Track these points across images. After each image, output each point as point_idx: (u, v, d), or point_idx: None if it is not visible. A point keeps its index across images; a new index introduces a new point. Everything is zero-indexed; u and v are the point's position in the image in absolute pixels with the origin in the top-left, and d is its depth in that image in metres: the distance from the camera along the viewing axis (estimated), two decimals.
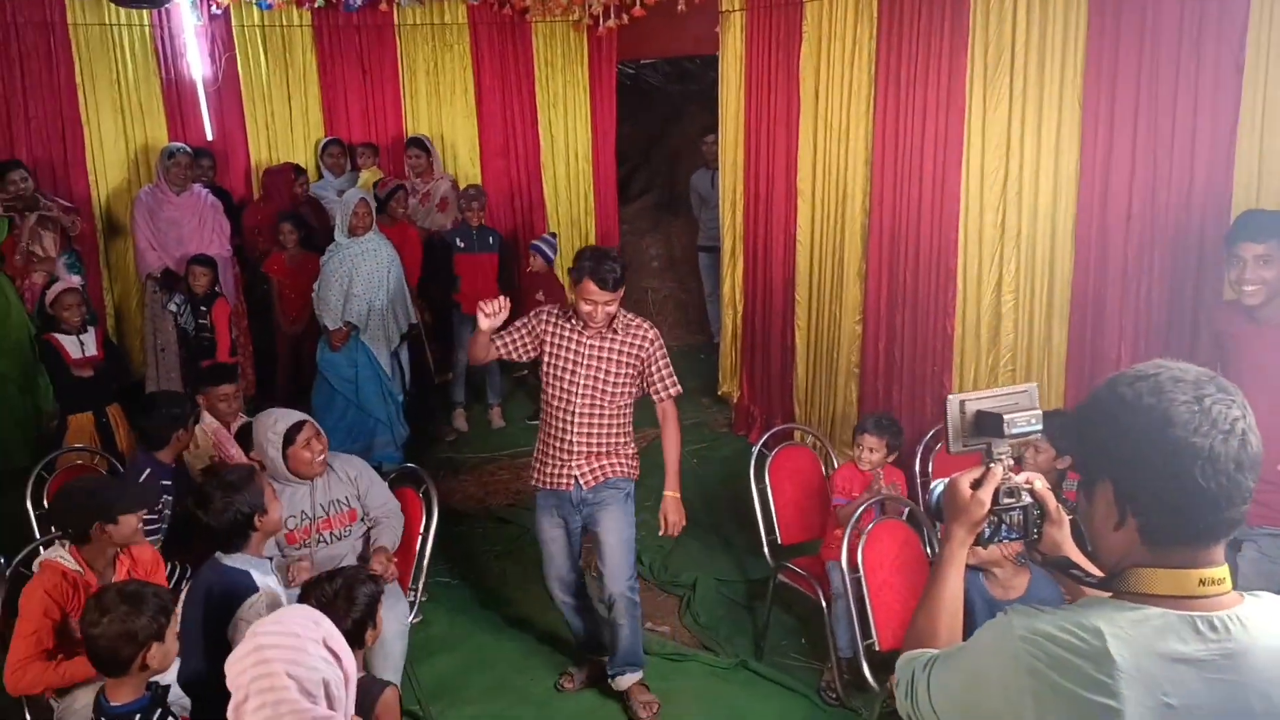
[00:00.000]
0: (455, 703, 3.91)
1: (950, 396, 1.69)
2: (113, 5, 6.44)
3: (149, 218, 6.26)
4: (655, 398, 3.73)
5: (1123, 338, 3.94)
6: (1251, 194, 3.46)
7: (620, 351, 3.64)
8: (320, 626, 1.94)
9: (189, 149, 6.42)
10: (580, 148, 7.86)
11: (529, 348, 3.70)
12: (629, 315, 3.69)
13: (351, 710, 2.06)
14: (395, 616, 3.45)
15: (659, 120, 9.62)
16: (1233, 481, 1.27)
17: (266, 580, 2.86)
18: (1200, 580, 1.31)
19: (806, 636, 4.26)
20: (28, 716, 3.12)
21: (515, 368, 7.33)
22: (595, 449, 3.67)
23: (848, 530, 3.53)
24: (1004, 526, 1.63)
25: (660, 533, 3.85)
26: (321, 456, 3.66)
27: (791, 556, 4.20)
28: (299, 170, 6.87)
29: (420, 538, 3.85)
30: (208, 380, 4.46)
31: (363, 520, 3.78)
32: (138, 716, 2.45)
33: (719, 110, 6.22)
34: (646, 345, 3.67)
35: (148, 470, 3.83)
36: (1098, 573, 1.45)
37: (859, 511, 3.63)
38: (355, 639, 2.56)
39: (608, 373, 3.63)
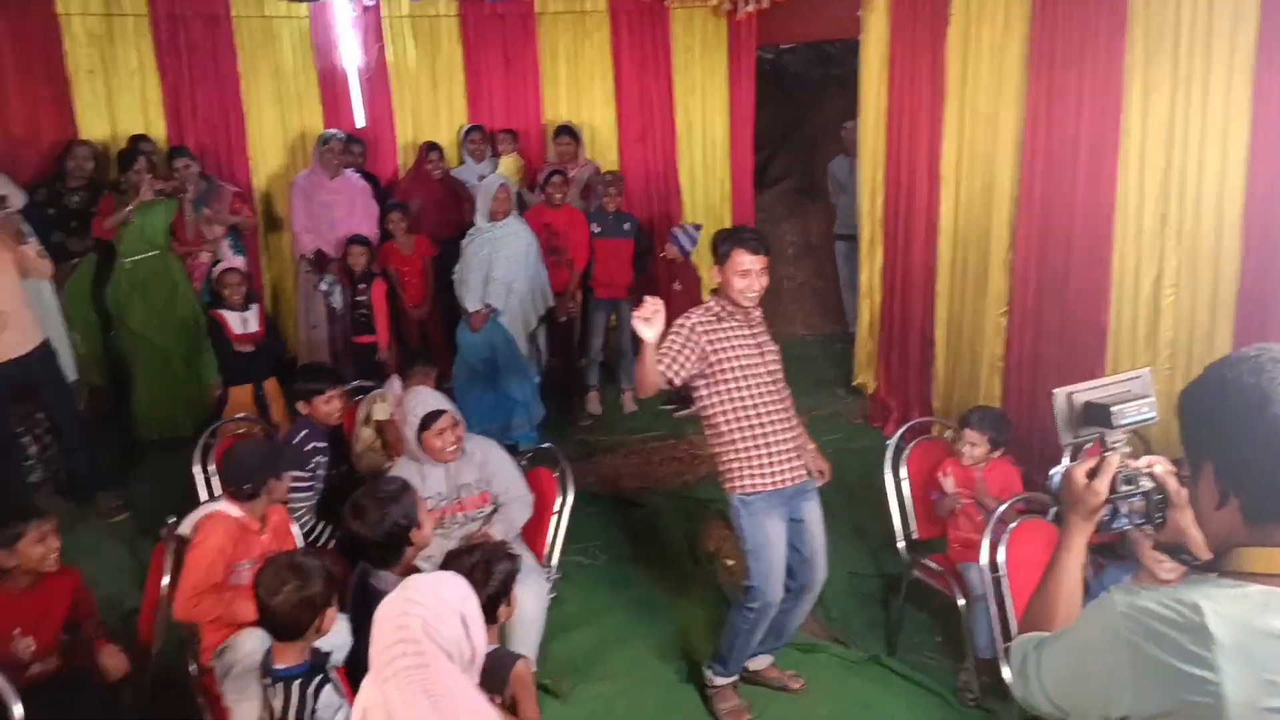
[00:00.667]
0: (586, 680, 3.97)
1: (1056, 390, 1.71)
2: None
3: (305, 201, 6.53)
4: None
5: None
6: None
7: (766, 330, 3.65)
8: (467, 601, 1.99)
9: (342, 135, 6.68)
10: (717, 134, 7.83)
11: (695, 365, 3.49)
12: None
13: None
14: (535, 595, 3.53)
15: (798, 105, 9.51)
16: None
17: None
18: None
19: (941, 634, 4.17)
20: (193, 668, 3.33)
21: None
22: (801, 432, 3.66)
23: (989, 529, 3.44)
24: (1123, 513, 1.64)
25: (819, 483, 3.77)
26: (454, 446, 3.75)
27: (927, 552, 4.11)
28: (430, 147, 7.06)
29: (555, 516, 3.93)
30: (423, 361, 4.73)
31: (491, 516, 3.88)
32: (299, 680, 2.55)
33: (859, 95, 6.10)
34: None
35: (305, 430, 4.04)
36: (1209, 555, 1.45)
37: (997, 513, 3.53)
38: (488, 614, 2.59)
39: (775, 352, 3.63)
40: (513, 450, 4.62)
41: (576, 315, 6.71)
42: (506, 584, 2.76)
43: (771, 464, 3.53)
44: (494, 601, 2.75)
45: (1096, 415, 1.68)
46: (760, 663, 3.89)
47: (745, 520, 3.56)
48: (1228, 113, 3.85)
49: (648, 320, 3.25)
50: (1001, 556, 3.36)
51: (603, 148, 7.77)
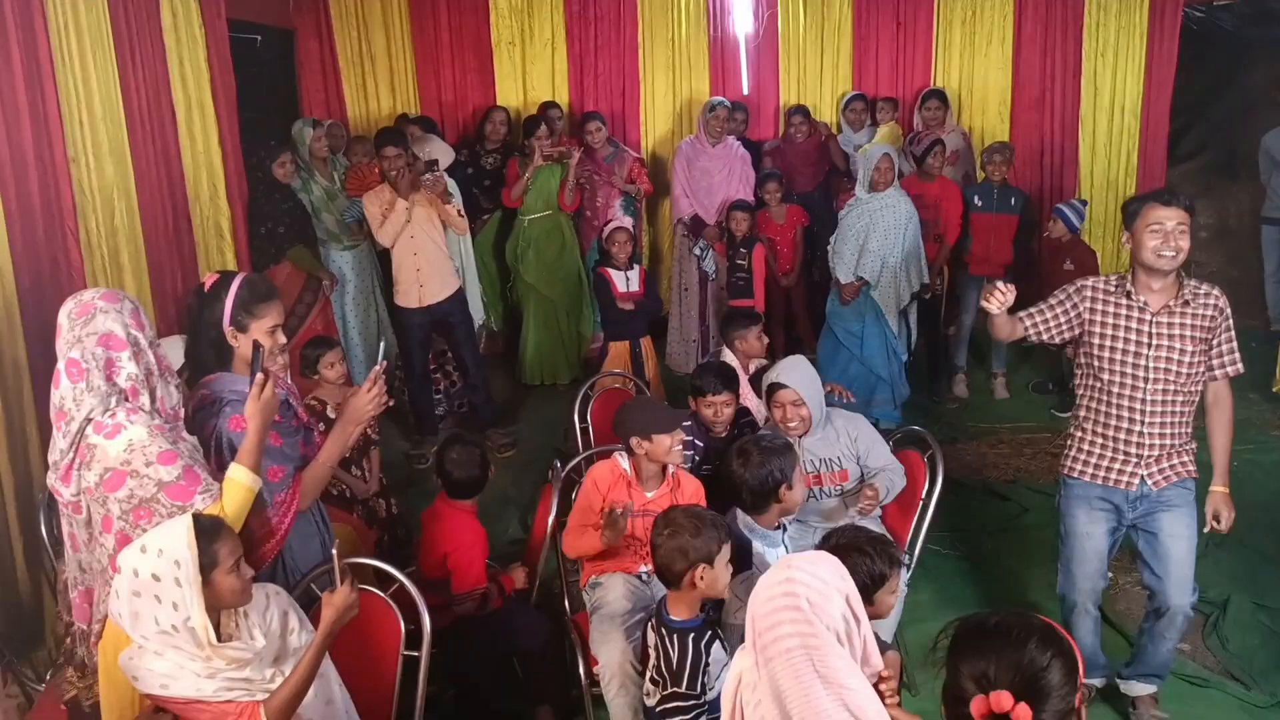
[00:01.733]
0: (941, 674, 3.82)
1: None
2: None
3: (686, 167, 6.71)
4: (1208, 375, 3.23)
5: None
6: None
7: (1192, 326, 3.14)
8: (847, 582, 1.92)
9: (727, 103, 6.78)
10: (1128, 101, 7.08)
11: (1064, 328, 3.29)
12: (1195, 282, 3.20)
13: None
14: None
15: (1225, 69, 8.39)
16: None
17: (766, 553, 2.98)
18: None
19: None
20: (567, 605, 3.61)
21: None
22: (1168, 444, 3.22)
23: None
24: None
25: (1205, 529, 3.32)
26: (794, 423, 3.69)
27: None
28: (794, 111, 7.05)
29: (921, 503, 3.78)
30: (736, 325, 4.67)
31: (859, 479, 3.79)
32: (692, 634, 2.64)
33: None
34: (1217, 315, 3.16)
35: (687, 422, 4.07)
36: None
37: None
38: None
39: (1181, 352, 3.14)
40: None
41: (942, 292, 6.41)
42: (866, 586, 2.54)
43: (1101, 457, 3.29)
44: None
45: None
46: (1138, 689, 3.53)
47: (1062, 501, 3.48)
48: None
49: (1000, 305, 3.17)
50: None
51: (994, 117, 7.32)
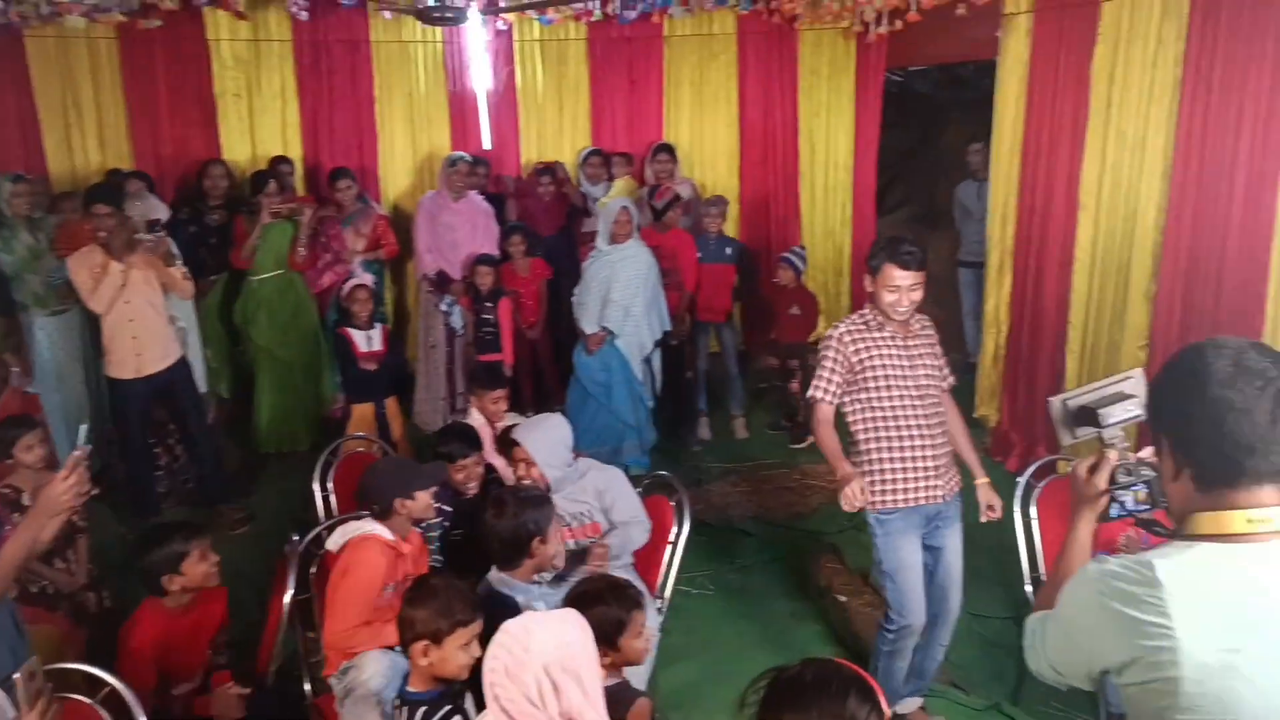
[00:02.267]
0: (693, 714, 3.89)
1: (1051, 398, 1.95)
2: (411, 23, 6.92)
3: (429, 222, 6.60)
4: None
5: None
6: None
7: (928, 344, 3.52)
8: (563, 650, 1.92)
9: (469, 158, 6.76)
10: (840, 158, 7.69)
11: (846, 380, 3.47)
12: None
13: None
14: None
15: (923, 129, 9.28)
16: (1269, 430, 1.45)
17: (533, 605, 2.93)
18: (1248, 519, 1.47)
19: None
20: (308, 688, 3.37)
21: (759, 379, 7.27)
22: (948, 449, 3.54)
23: None
24: (1127, 505, 1.78)
25: (983, 519, 3.61)
26: (527, 482, 3.67)
27: None
28: (542, 170, 7.12)
29: (670, 546, 3.85)
30: (480, 384, 4.64)
31: (608, 533, 3.81)
32: (423, 708, 2.53)
33: (994, 118, 5.89)
34: (933, 334, 3.58)
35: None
36: None
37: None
38: None
39: (931, 367, 3.49)
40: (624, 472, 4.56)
41: (686, 338, 6.65)
42: (608, 634, 2.55)
43: (907, 479, 3.46)
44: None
45: (1088, 417, 1.87)
46: (907, 706, 3.75)
47: (881, 540, 3.53)
48: None
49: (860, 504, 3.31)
50: None
51: (724, 172, 7.72)
